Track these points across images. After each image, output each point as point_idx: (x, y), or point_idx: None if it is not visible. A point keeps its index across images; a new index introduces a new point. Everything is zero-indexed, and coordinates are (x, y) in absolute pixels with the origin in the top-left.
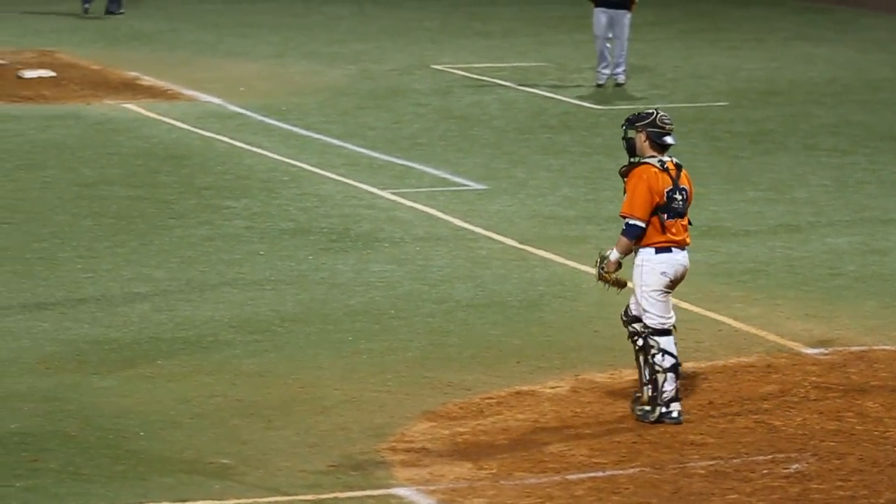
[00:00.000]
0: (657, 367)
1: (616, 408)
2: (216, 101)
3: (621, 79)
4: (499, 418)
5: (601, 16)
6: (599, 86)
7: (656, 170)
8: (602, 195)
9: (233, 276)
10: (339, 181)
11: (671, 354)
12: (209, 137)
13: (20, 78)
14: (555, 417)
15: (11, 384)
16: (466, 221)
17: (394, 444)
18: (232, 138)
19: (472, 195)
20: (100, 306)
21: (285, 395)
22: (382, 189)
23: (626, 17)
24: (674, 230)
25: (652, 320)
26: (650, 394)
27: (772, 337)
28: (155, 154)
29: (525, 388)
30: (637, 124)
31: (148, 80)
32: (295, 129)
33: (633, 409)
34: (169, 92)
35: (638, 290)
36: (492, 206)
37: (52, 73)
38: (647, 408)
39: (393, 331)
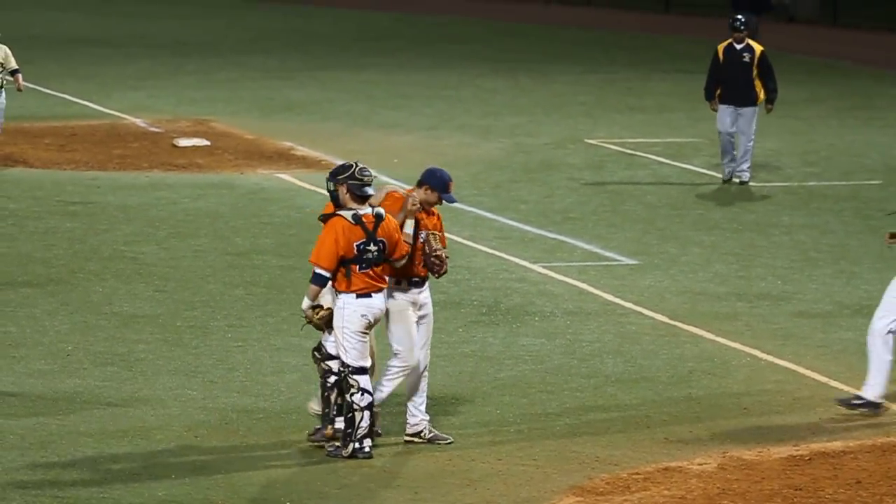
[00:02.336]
0: (355, 406)
1: (764, 486)
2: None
3: (745, 177)
4: (645, 494)
5: (725, 112)
6: (725, 182)
7: (348, 223)
8: (753, 272)
9: (382, 347)
10: (491, 254)
11: (368, 392)
12: None
13: (175, 146)
14: (701, 494)
15: (159, 451)
16: (617, 296)
17: None
18: None
19: (624, 270)
20: (249, 375)
21: (432, 467)
22: (534, 262)
23: (751, 112)
24: (373, 278)
25: (352, 359)
26: (345, 430)
27: None
28: (307, 224)
29: (673, 464)
30: (338, 177)
31: (302, 150)
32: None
33: (312, 442)
34: (322, 162)
35: (339, 332)
36: (643, 282)
37: (207, 142)
38: (339, 444)
39: (541, 404)
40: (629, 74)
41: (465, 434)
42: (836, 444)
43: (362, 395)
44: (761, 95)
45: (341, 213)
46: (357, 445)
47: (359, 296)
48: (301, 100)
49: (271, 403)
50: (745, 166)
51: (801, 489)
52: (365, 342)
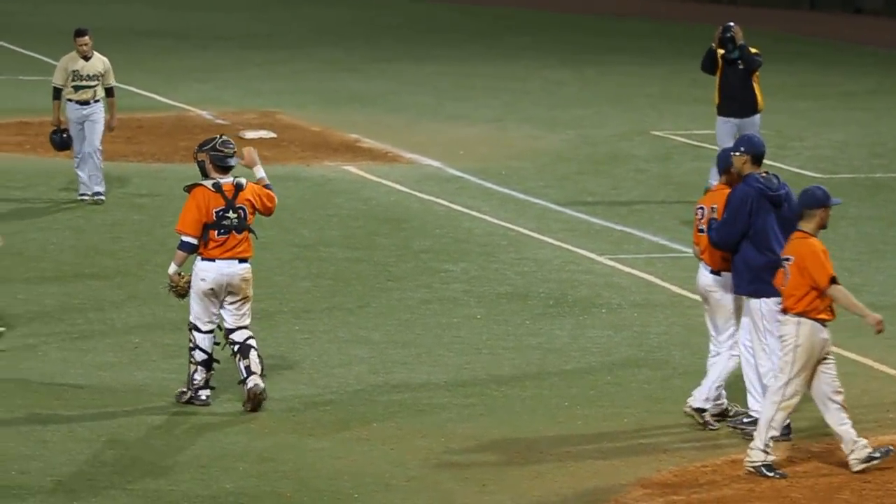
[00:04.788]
0: (191, 359)
1: (832, 478)
2: (436, 164)
3: None
4: (713, 486)
5: (724, 125)
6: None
7: (209, 191)
8: None
9: (449, 339)
10: (558, 246)
11: (203, 350)
12: (428, 200)
13: (241, 138)
14: (769, 486)
15: (227, 443)
16: (684, 288)
17: None
18: (451, 201)
19: (691, 262)
20: (316, 367)
21: (500, 459)
22: (600, 255)
23: (755, 121)
24: (224, 244)
25: (192, 317)
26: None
27: None
28: (374, 216)
29: (740, 456)
30: (203, 148)
31: (368, 143)
32: (514, 194)
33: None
34: (389, 154)
35: (191, 291)
36: None
37: (273, 134)
38: (184, 389)
39: (609, 397)
40: (695, 66)
41: (532, 426)
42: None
43: (197, 351)
44: (762, 103)
45: (202, 182)
46: (193, 394)
47: (204, 259)
48: (367, 92)
49: (338, 395)
50: None
51: (869, 482)
52: (205, 306)
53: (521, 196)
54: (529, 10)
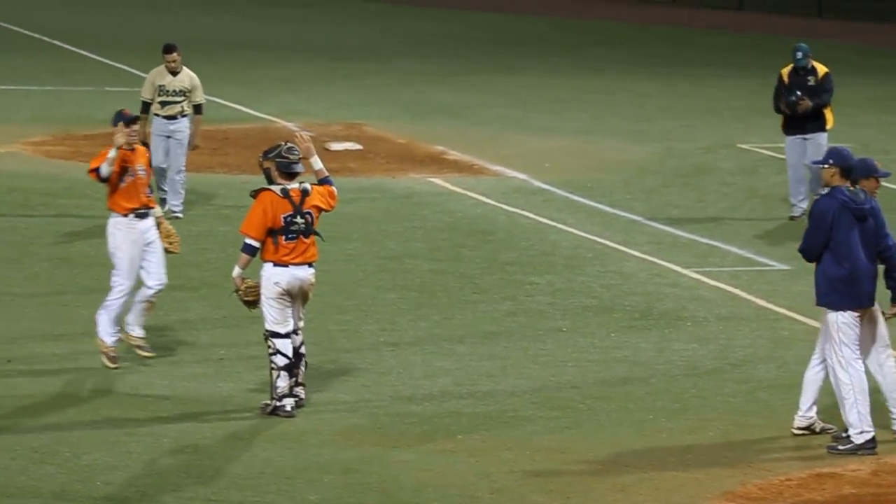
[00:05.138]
0: (272, 366)
1: None
2: (521, 176)
3: (797, 211)
4: (798, 500)
5: (793, 142)
6: (793, 218)
7: (276, 196)
8: None
9: (535, 352)
10: (643, 259)
11: (284, 355)
12: (513, 213)
13: (327, 150)
14: (855, 501)
15: (312, 455)
16: (770, 302)
17: None
18: (536, 214)
19: (777, 275)
20: (401, 379)
21: (585, 471)
22: (686, 267)
23: (822, 138)
24: (294, 250)
25: (268, 324)
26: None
27: None
28: (459, 228)
29: (826, 470)
30: (268, 155)
31: (454, 155)
32: (600, 206)
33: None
34: (474, 166)
35: (262, 299)
36: (796, 287)
37: (359, 146)
38: (268, 402)
39: (694, 410)
40: None
41: (617, 439)
42: None
43: (277, 356)
44: (831, 122)
45: (270, 187)
46: (278, 403)
47: (276, 265)
48: (453, 103)
49: (423, 407)
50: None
51: None
52: (282, 309)
53: (607, 209)
54: (616, 22)
